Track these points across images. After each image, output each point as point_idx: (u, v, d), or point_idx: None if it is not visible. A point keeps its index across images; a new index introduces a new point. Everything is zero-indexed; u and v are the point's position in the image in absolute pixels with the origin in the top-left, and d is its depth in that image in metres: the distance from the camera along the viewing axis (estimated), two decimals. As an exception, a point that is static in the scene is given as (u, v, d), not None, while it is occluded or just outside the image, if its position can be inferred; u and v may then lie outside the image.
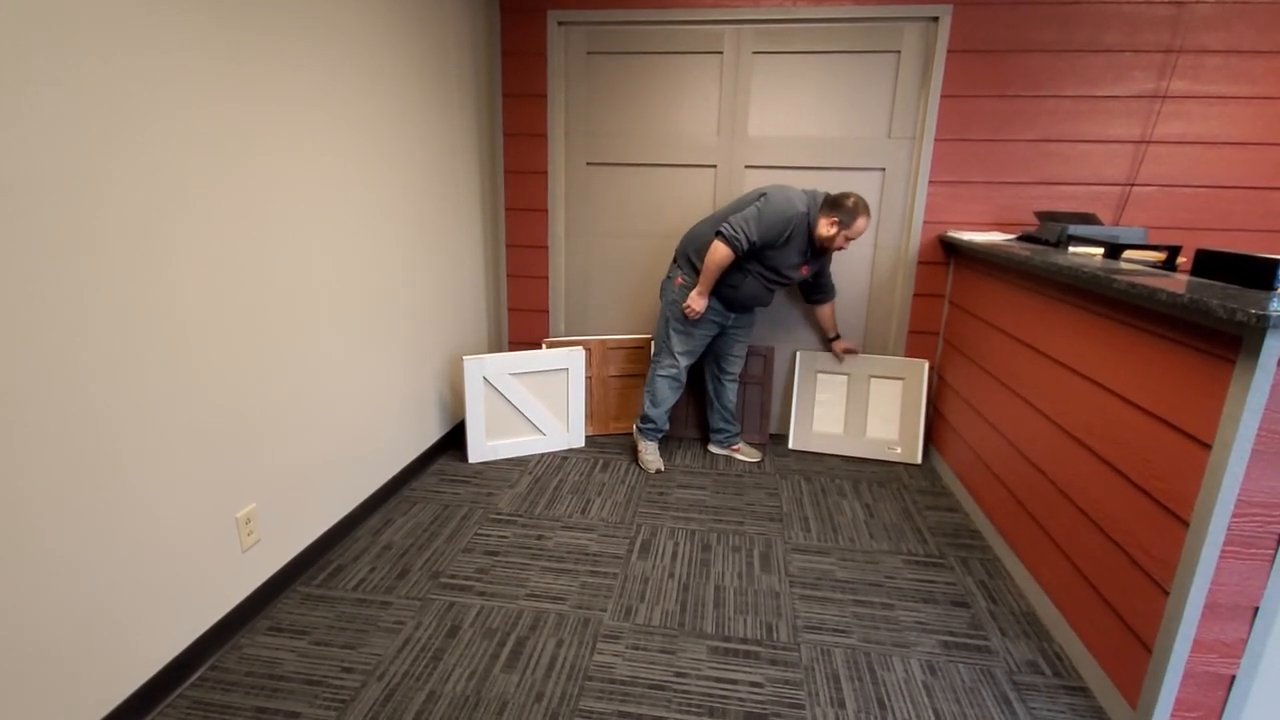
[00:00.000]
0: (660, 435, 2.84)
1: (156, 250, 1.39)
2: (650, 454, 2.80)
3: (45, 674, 1.23)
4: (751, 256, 2.46)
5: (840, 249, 2.46)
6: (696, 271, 2.54)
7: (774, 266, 2.48)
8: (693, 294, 2.52)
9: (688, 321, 2.61)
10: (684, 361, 2.68)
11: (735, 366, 2.83)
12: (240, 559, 1.71)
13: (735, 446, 2.93)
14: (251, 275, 1.67)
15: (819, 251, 2.49)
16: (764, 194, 2.41)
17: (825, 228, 2.39)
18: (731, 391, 2.87)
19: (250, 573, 1.76)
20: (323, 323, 1.98)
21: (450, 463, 2.78)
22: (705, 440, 3.09)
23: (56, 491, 1.22)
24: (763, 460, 2.90)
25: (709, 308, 2.59)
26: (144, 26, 1.32)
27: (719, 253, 2.40)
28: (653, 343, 2.80)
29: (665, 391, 2.73)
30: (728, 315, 2.68)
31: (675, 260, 2.69)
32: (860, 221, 2.37)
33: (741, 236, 2.37)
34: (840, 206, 2.37)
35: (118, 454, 1.34)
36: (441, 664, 1.64)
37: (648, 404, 2.76)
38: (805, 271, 2.55)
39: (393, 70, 2.26)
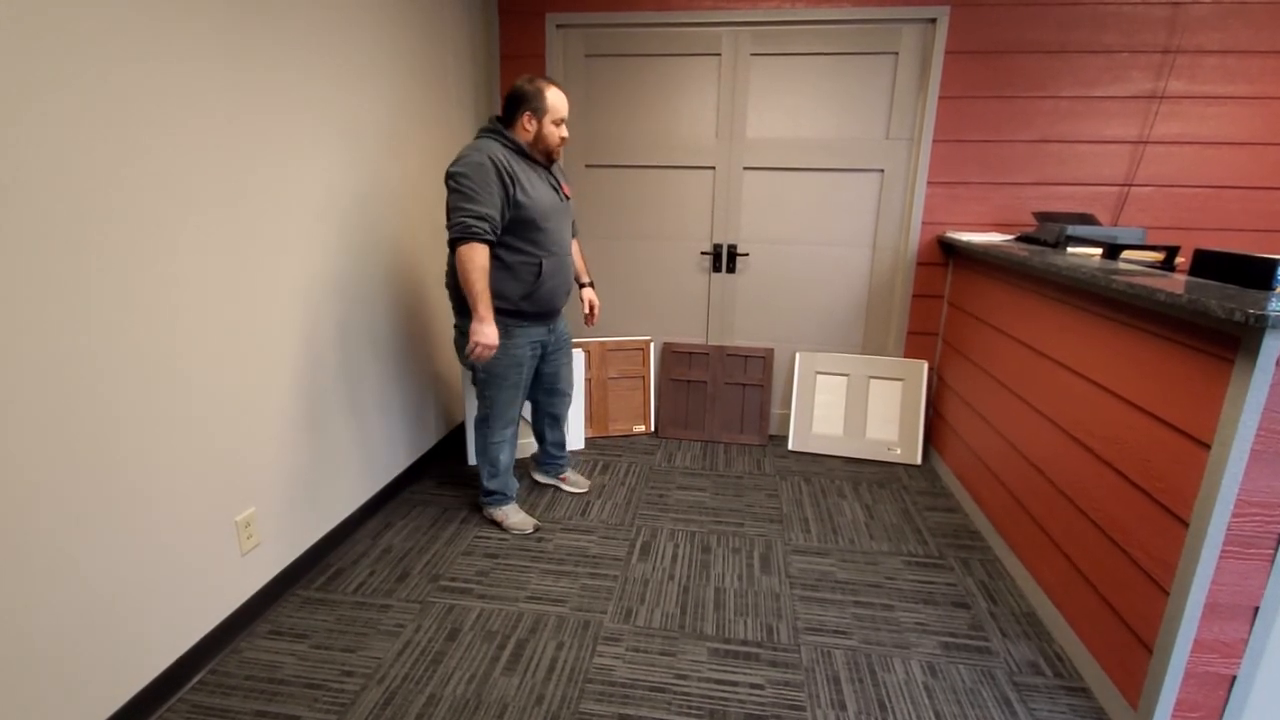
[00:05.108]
0: (512, 498, 2.34)
1: (161, 253, 1.39)
2: (516, 515, 2.29)
3: (45, 678, 1.23)
4: (511, 233, 1.95)
5: (565, 140, 2.03)
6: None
7: (538, 217, 1.96)
8: (473, 325, 1.91)
9: (505, 368, 2.07)
10: (517, 416, 2.25)
11: (570, 385, 2.40)
12: (240, 562, 1.71)
13: (563, 475, 2.58)
14: (253, 279, 1.67)
15: (550, 164, 2.07)
16: (451, 176, 1.90)
17: (527, 132, 1.97)
18: (565, 419, 2.48)
19: (250, 576, 1.76)
20: (322, 325, 1.98)
21: (450, 466, 2.78)
22: (703, 440, 3.09)
23: (59, 495, 1.22)
24: (589, 490, 2.57)
25: (518, 330, 2.06)
26: (146, 38, 1.33)
27: (474, 255, 1.87)
28: (477, 405, 2.22)
29: (507, 457, 2.26)
30: (547, 327, 2.16)
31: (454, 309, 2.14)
32: (551, 93, 1.96)
33: (471, 220, 1.85)
34: (520, 100, 1.95)
35: (120, 457, 1.34)
36: (441, 667, 1.63)
37: (486, 476, 2.26)
38: (567, 191, 2.13)
39: (392, 75, 2.26)
